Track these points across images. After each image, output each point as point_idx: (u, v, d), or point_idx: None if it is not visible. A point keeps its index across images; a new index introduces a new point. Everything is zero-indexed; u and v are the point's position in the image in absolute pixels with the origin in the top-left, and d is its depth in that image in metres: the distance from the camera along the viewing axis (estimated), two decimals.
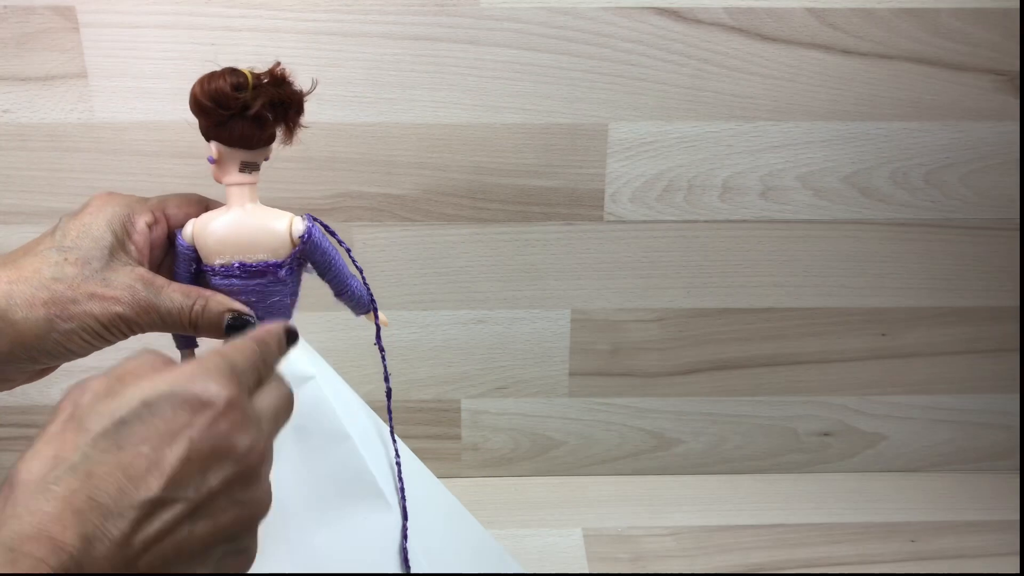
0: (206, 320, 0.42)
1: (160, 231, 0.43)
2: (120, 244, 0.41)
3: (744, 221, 0.68)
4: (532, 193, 0.66)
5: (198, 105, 0.41)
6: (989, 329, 0.72)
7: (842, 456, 0.76)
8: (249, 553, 0.34)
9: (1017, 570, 0.66)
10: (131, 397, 0.31)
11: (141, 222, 0.42)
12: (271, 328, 0.37)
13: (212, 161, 0.43)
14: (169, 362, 0.34)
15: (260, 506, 0.34)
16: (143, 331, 0.42)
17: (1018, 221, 0.68)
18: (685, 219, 0.68)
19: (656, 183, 0.66)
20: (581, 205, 0.67)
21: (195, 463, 0.30)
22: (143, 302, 0.41)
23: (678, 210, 0.67)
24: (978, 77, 0.64)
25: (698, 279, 0.70)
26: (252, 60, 0.44)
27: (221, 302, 0.42)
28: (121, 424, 0.30)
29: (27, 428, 0.71)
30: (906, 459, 0.76)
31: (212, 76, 0.41)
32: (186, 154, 0.64)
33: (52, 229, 0.42)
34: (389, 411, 0.49)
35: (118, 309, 0.40)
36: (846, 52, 0.63)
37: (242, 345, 0.35)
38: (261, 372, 0.35)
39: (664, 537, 0.69)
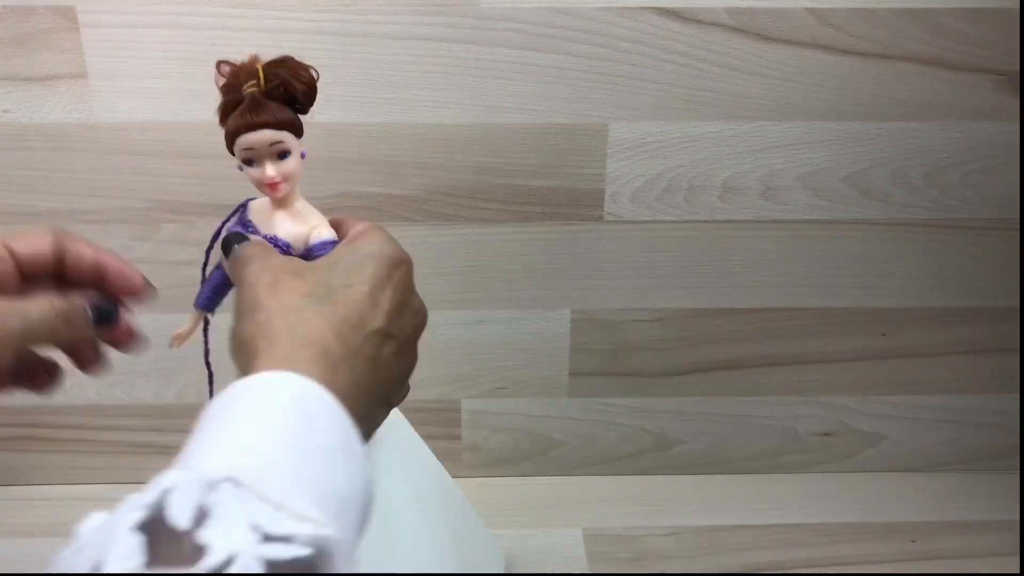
0: (74, 309, 0.40)
1: (6, 267, 0.41)
2: None
3: (744, 221, 0.68)
4: (532, 193, 0.66)
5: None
6: (989, 329, 0.72)
7: (842, 456, 0.76)
8: (406, 393, 0.42)
9: (1017, 570, 0.66)
10: (335, 256, 0.40)
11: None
12: None
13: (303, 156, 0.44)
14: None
15: (415, 362, 0.41)
16: (5, 353, 0.38)
17: (1018, 221, 0.68)
18: (685, 219, 0.68)
19: (656, 183, 0.66)
20: (581, 205, 0.67)
21: (399, 307, 0.39)
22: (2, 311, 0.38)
23: (678, 210, 0.67)
24: (978, 77, 0.64)
25: (698, 279, 0.70)
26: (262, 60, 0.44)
27: (80, 296, 0.41)
28: (348, 267, 0.39)
29: (28, 428, 0.71)
30: (906, 459, 0.76)
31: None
32: (186, 154, 0.64)
33: None
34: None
35: None
36: (846, 52, 0.63)
37: (373, 226, 0.43)
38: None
39: (664, 537, 0.69)
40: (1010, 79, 0.64)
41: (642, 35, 0.62)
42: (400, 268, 0.40)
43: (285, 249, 0.44)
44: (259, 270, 0.38)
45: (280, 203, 0.45)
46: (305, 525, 0.26)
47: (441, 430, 0.74)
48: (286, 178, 0.43)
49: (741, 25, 0.62)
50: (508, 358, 0.72)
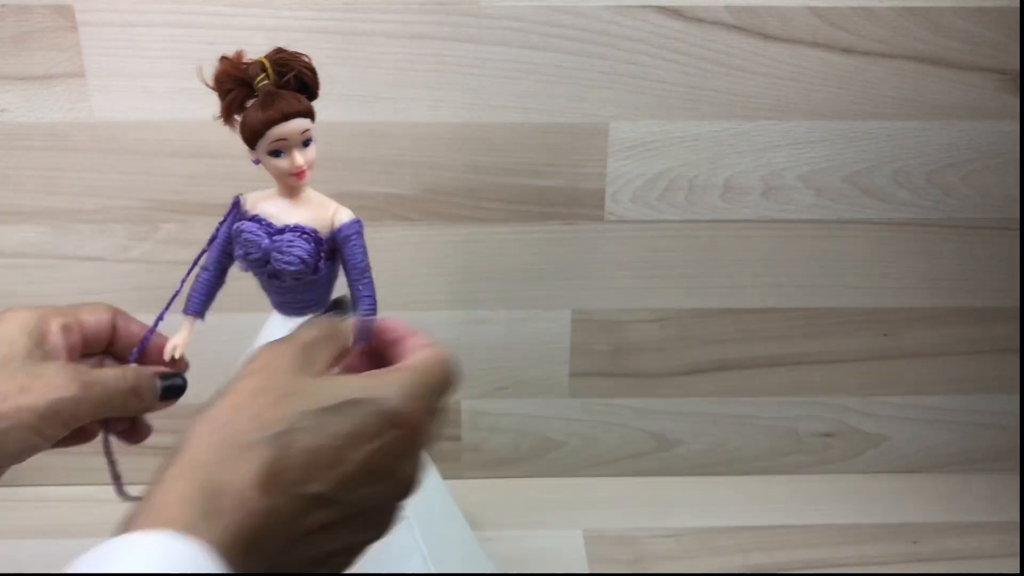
0: (144, 382, 0.43)
1: (74, 337, 0.43)
2: (37, 345, 0.41)
3: (745, 221, 0.68)
4: (532, 193, 0.66)
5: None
6: (990, 329, 0.72)
7: (844, 457, 0.76)
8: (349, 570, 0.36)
9: (1018, 571, 0.66)
10: (339, 389, 0.34)
11: (54, 325, 0.42)
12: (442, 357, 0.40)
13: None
14: (361, 356, 0.39)
15: (386, 531, 0.36)
16: (81, 416, 0.40)
17: (1019, 221, 0.68)
18: (686, 219, 0.67)
19: (657, 182, 0.66)
20: (581, 205, 0.67)
21: (365, 475, 0.33)
22: (77, 382, 0.40)
23: (679, 210, 0.67)
24: (980, 76, 0.64)
25: (698, 279, 0.70)
26: (250, 56, 0.44)
27: (149, 368, 0.43)
28: (325, 412, 0.32)
29: None
30: (908, 460, 0.76)
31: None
32: (185, 153, 0.64)
33: None
34: None
35: (53, 395, 0.39)
36: (848, 51, 0.63)
37: (435, 363, 0.39)
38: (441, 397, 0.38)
39: (665, 538, 0.69)
40: (1011, 78, 0.64)
41: (643, 34, 0.62)
42: (397, 429, 0.34)
43: (314, 235, 0.44)
44: (259, 371, 0.35)
45: (292, 192, 0.45)
46: None
47: (441, 430, 0.73)
48: (311, 165, 0.44)
49: (742, 24, 0.62)
50: (508, 358, 0.71)
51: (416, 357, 0.38)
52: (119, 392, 0.41)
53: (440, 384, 0.38)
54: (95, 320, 0.44)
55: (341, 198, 0.67)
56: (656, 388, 0.73)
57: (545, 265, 0.68)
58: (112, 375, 0.41)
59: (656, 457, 0.76)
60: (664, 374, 0.72)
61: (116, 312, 0.45)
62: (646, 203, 0.67)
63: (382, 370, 0.36)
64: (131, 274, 0.67)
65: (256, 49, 0.43)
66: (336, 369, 0.39)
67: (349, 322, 0.41)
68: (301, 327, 0.38)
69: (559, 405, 0.73)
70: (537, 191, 0.66)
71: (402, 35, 0.61)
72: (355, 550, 0.35)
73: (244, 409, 0.32)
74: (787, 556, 0.67)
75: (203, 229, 0.66)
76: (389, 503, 0.35)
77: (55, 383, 0.39)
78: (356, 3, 0.60)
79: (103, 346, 0.45)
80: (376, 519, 0.35)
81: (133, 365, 0.44)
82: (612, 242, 0.68)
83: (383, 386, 0.34)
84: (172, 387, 0.44)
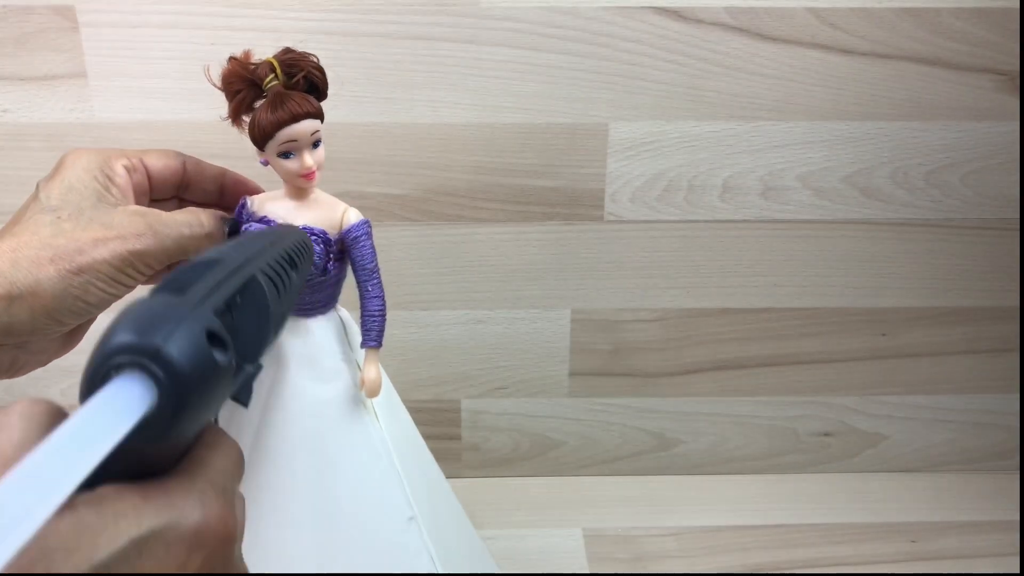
0: (217, 225, 0.42)
1: (139, 177, 0.43)
2: (105, 189, 0.41)
3: (744, 221, 0.68)
4: (532, 193, 0.66)
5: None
6: (989, 329, 0.72)
7: (842, 456, 0.76)
8: None
9: (1017, 570, 0.66)
10: (112, 530, 0.24)
11: (119, 166, 0.42)
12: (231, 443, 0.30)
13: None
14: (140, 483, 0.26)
15: None
16: (156, 265, 0.40)
17: (1018, 221, 0.68)
18: (685, 219, 0.67)
19: (656, 183, 0.66)
20: (581, 205, 0.67)
21: None
22: (150, 230, 0.40)
23: (678, 210, 0.67)
24: (979, 77, 0.64)
25: (698, 279, 0.70)
26: (256, 57, 0.44)
27: (218, 211, 0.43)
28: (103, 566, 0.23)
29: None
30: (907, 459, 0.76)
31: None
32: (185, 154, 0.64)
33: (33, 195, 0.41)
34: None
35: (127, 246, 0.39)
36: (847, 52, 0.63)
37: (227, 449, 0.29)
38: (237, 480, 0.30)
39: (665, 537, 0.69)
40: (1010, 79, 0.64)
41: (642, 35, 0.62)
42: (207, 548, 0.26)
43: (323, 236, 0.44)
44: None
45: (301, 193, 0.45)
46: None
47: (441, 430, 0.74)
48: (320, 166, 0.44)
49: (741, 24, 0.62)
50: (508, 358, 0.72)
51: (196, 451, 0.28)
52: (194, 238, 0.41)
53: (235, 462, 0.29)
54: (163, 164, 0.43)
55: (341, 198, 0.67)
56: (655, 388, 0.73)
57: (545, 265, 0.69)
58: (185, 220, 0.41)
59: (655, 456, 0.76)
60: (663, 374, 0.73)
61: (185, 157, 0.44)
62: (645, 203, 0.67)
63: (158, 481, 0.26)
64: None
65: (258, 50, 0.43)
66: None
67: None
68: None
69: (559, 405, 0.73)
70: (537, 191, 0.66)
71: (402, 36, 0.61)
72: None
73: None
74: (786, 555, 0.67)
75: None
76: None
77: (129, 232, 0.39)
78: (356, 4, 0.60)
79: (173, 191, 0.44)
80: None
81: (205, 209, 0.43)
82: (611, 242, 0.68)
83: (170, 505, 0.25)
84: (234, 225, 0.43)
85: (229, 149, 0.64)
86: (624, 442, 0.75)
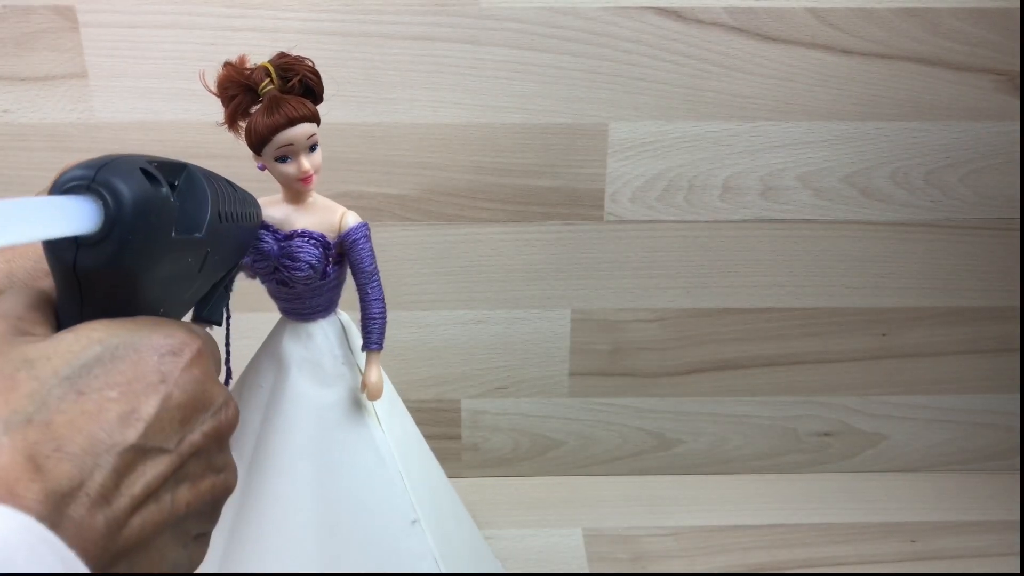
0: None
1: None
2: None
3: (744, 221, 0.68)
4: (532, 193, 0.66)
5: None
6: (989, 329, 0.72)
7: (842, 456, 0.76)
8: (208, 541, 0.30)
9: (1017, 570, 0.66)
10: (79, 341, 0.26)
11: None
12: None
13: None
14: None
15: (230, 478, 0.30)
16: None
17: (1018, 221, 0.68)
18: (685, 219, 0.68)
19: (656, 183, 0.66)
20: (581, 205, 0.67)
21: (174, 411, 0.27)
22: None
23: (678, 210, 0.67)
24: (978, 77, 0.64)
25: (698, 279, 0.70)
26: (252, 60, 0.44)
27: None
28: (80, 368, 0.25)
29: None
30: (906, 459, 0.76)
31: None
32: (185, 154, 0.64)
33: None
34: None
35: None
36: (846, 52, 0.63)
37: (197, 326, 0.31)
38: (216, 362, 0.31)
39: (664, 537, 0.69)
40: (1010, 79, 0.64)
41: (642, 35, 0.62)
42: (172, 359, 0.27)
43: (322, 240, 0.44)
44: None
45: (298, 197, 0.45)
46: None
47: (441, 430, 0.74)
48: (317, 170, 0.44)
49: (741, 25, 0.62)
50: (508, 358, 0.72)
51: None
52: None
53: (204, 335, 0.31)
54: None
55: (341, 198, 0.67)
56: (655, 387, 0.73)
57: (545, 265, 0.69)
58: None
59: (655, 456, 0.76)
60: (663, 374, 0.73)
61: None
62: (645, 203, 0.67)
63: (132, 317, 0.28)
64: None
65: (257, 50, 0.43)
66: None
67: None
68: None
69: (559, 404, 0.73)
70: (537, 191, 0.66)
71: (402, 36, 0.61)
72: (202, 510, 0.29)
73: None
74: (786, 555, 0.67)
75: None
76: (212, 442, 0.29)
77: None
78: (356, 4, 0.60)
79: None
80: (206, 467, 0.29)
81: None
82: (611, 242, 0.68)
83: (132, 325, 0.28)
84: None
85: (229, 149, 0.64)
86: (624, 442, 0.75)
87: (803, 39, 0.63)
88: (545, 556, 0.67)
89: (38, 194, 0.27)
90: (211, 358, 0.30)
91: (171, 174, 0.30)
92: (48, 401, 0.24)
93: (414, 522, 0.48)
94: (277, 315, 0.49)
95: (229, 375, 0.49)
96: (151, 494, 0.26)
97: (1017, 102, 0.65)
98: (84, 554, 0.23)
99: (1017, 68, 0.64)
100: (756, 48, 0.63)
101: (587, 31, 0.62)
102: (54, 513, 0.23)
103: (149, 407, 0.26)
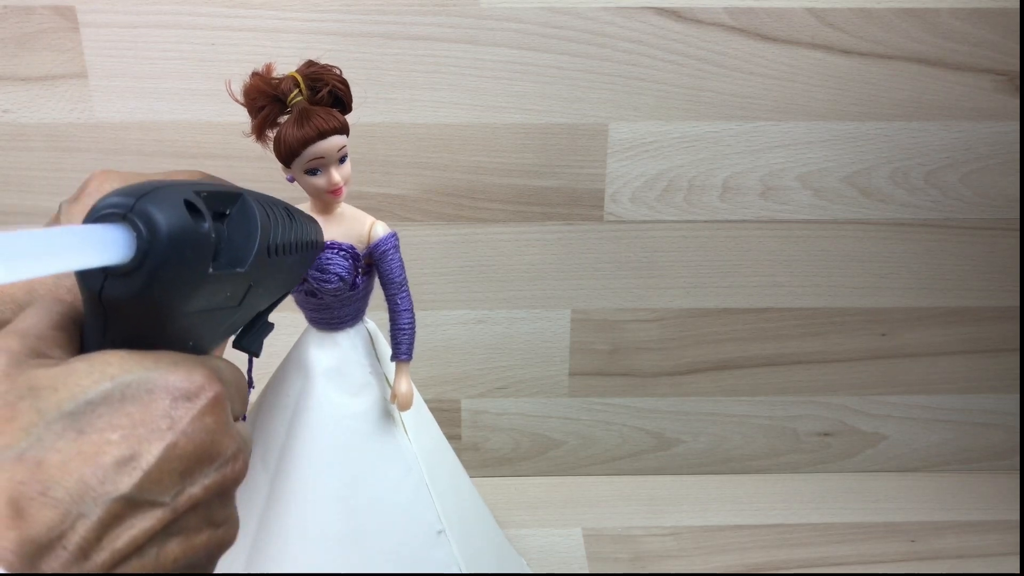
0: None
1: None
2: None
3: (744, 221, 0.68)
4: (532, 193, 0.66)
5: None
6: (989, 329, 0.72)
7: (842, 456, 0.76)
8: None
9: (1017, 570, 0.66)
10: (89, 375, 0.25)
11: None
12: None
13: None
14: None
15: (229, 533, 0.28)
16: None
17: (1018, 221, 0.68)
18: (685, 219, 0.68)
19: (656, 183, 0.66)
20: (581, 205, 0.67)
21: (176, 461, 0.25)
22: None
23: (678, 210, 0.67)
24: (978, 77, 0.64)
25: (698, 279, 0.70)
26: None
27: None
28: (85, 405, 0.24)
29: None
30: (906, 459, 0.76)
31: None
32: (186, 154, 0.64)
33: (55, 217, 0.39)
34: None
35: None
36: (846, 52, 0.63)
37: (227, 362, 0.30)
38: (242, 400, 0.30)
39: (664, 537, 0.69)
40: (1009, 79, 0.64)
41: (642, 35, 0.62)
42: (185, 404, 0.26)
43: (351, 252, 0.44)
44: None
45: (326, 208, 0.45)
46: None
47: (441, 430, 0.74)
48: (347, 181, 0.43)
49: (741, 25, 0.62)
50: (508, 358, 0.72)
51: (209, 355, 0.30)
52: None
53: (233, 370, 0.30)
54: None
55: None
56: (655, 387, 0.73)
57: (545, 265, 0.69)
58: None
59: (655, 456, 0.76)
60: (663, 373, 0.73)
61: (209, 176, 0.41)
62: (645, 203, 0.67)
63: (154, 351, 0.27)
64: None
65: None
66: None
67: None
68: (22, 316, 0.28)
69: (558, 404, 0.73)
70: (537, 191, 0.66)
71: (402, 36, 0.61)
72: (194, 565, 0.27)
73: None
74: (785, 555, 0.67)
75: None
76: (214, 496, 0.27)
77: None
78: (356, 4, 0.61)
79: None
80: (204, 522, 0.27)
81: None
82: (611, 242, 0.68)
83: (150, 362, 0.26)
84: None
85: (228, 149, 0.64)
86: (624, 442, 0.75)
87: (803, 39, 0.63)
88: (545, 556, 0.67)
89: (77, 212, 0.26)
90: (230, 403, 0.28)
91: (223, 204, 0.29)
92: (44, 437, 0.23)
93: (440, 532, 0.48)
94: (298, 314, 0.49)
95: (251, 384, 0.49)
96: (136, 549, 0.24)
97: (1017, 102, 0.65)
98: None
99: (1017, 68, 0.64)
100: (756, 48, 0.63)
101: (587, 31, 0.62)
102: (26, 565, 0.21)
103: (150, 455, 0.24)
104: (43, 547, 0.22)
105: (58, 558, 0.22)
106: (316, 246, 0.37)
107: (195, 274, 0.26)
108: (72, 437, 0.23)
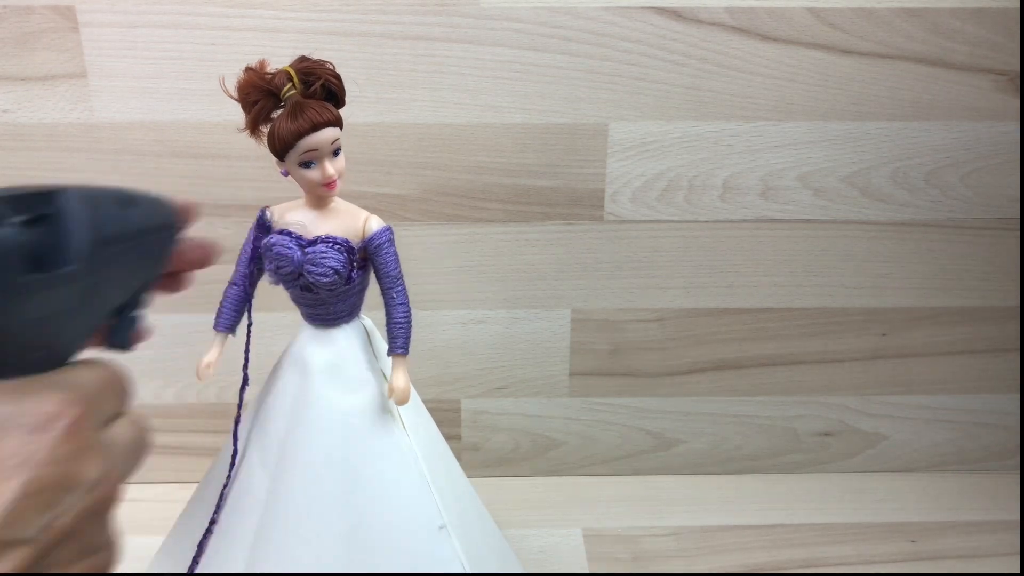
0: None
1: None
2: None
3: (744, 221, 0.68)
4: (532, 193, 0.66)
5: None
6: (989, 329, 0.72)
7: (842, 456, 0.76)
8: None
9: (1017, 570, 0.66)
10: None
11: None
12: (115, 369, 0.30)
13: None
14: None
15: (109, 557, 0.28)
16: None
17: (1018, 221, 0.68)
18: (685, 219, 0.68)
19: (656, 183, 0.66)
20: (581, 205, 0.67)
21: (36, 496, 0.24)
22: None
23: (678, 210, 0.67)
24: (978, 77, 0.64)
25: (698, 279, 0.70)
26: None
27: None
28: None
29: None
30: (906, 459, 0.76)
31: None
32: (186, 154, 0.64)
33: None
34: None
35: None
36: (846, 52, 0.63)
37: (93, 365, 0.29)
38: (116, 400, 0.29)
39: (664, 537, 0.69)
40: (1009, 79, 0.64)
41: (642, 35, 0.62)
42: (48, 432, 0.25)
43: (346, 245, 0.44)
44: None
45: (321, 202, 0.45)
46: None
47: (441, 430, 0.73)
48: (341, 174, 0.43)
49: (741, 25, 0.62)
50: (508, 358, 0.72)
51: (77, 362, 0.29)
52: None
53: (101, 377, 0.29)
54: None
55: (342, 198, 0.67)
56: (655, 387, 0.73)
57: (545, 265, 0.69)
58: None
59: (655, 456, 0.76)
60: (663, 373, 0.73)
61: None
62: (645, 203, 0.67)
63: (10, 380, 0.27)
64: None
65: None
66: None
67: None
68: None
69: (559, 404, 0.73)
70: (537, 191, 0.66)
71: (402, 36, 0.61)
72: None
73: None
74: (786, 555, 0.67)
75: (204, 230, 0.66)
76: (84, 522, 0.26)
77: None
78: (356, 4, 0.60)
79: None
80: (78, 551, 0.26)
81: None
82: (611, 242, 0.68)
83: (4, 393, 0.26)
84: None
85: (228, 149, 0.64)
86: (624, 442, 0.75)
87: (803, 39, 0.62)
88: (545, 556, 0.67)
89: None
90: (98, 413, 0.27)
91: (36, 206, 0.27)
92: None
93: (441, 527, 0.48)
94: (295, 312, 0.49)
95: (246, 381, 0.49)
96: None
97: (1017, 102, 0.65)
98: None
99: (1017, 68, 0.64)
100: (756, 48, 0.63)
101: (587, 31, 0.62)
102: None
103: (8, 494, 0.24)
104: None
105: None
106: (166, 228, 0.35)
107: (5, 283, 0.25)
108: None
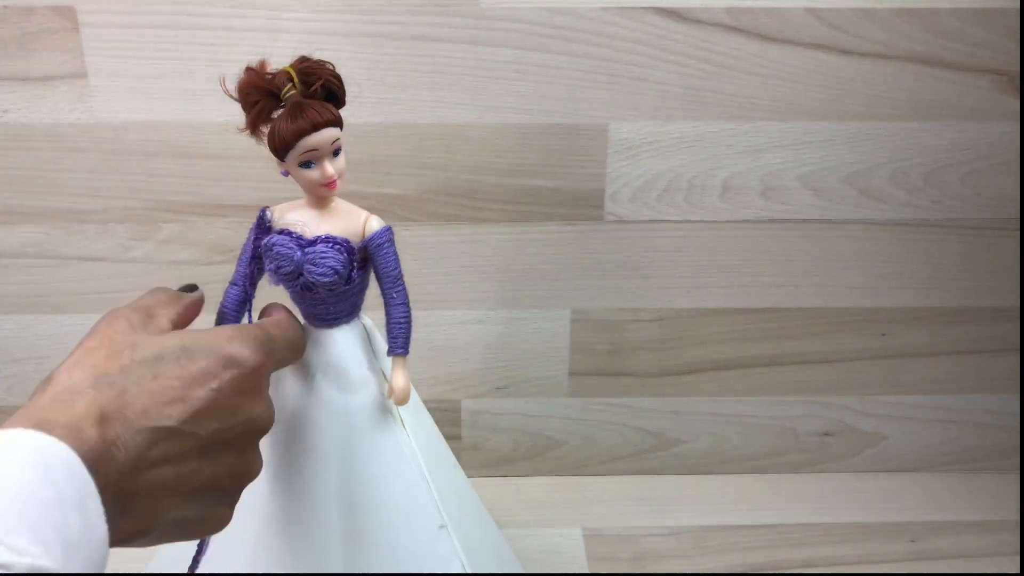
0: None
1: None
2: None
3: (744, 221, 0.68)
4: (532, 193, 0.66)
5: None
6: (989, 329, 0.72)
7: (842, 456, 0.76)
8: (225, 519, 0.38)
9: (1017, 570, 0.66)
10: (172, 339, 0.36)
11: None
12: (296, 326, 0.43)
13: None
14: (180, 299, 0.41)
15: (252, 468, 0.39)
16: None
17: (1018, 221, 0.68)
18: (685, 219, 0.68)
19: (656, 183, 0.66)
20: (581, 205, 0.67)
21: (215, 410, 0.35)
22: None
23: (678, 210, 0.67)
24: (978, 77, 0.64)
25: (698, 279, 0.70)
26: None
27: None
28: (159, 359, 0.35)
29: None
30: (906, 459, 0.76)
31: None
32: (186, 154, 0.64)
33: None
34: None
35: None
36: (846, 52, 0.63)
37: (286, 324, 0.42)
38: (292, 355, 0.42)
39: (664, 537, 0.69)
40: (1010, 79, 0.64)
41: (642, 35, 0.62)
42: (230, 370, 0.36)
43: (346, 245, 0.44)
44: (98, 332, 0.36)
45: (321, 202, 0.45)
46: (23, 558, 0.26)
47: (441, 430, 0.73)
48: (341, 175, 0.44)
49: (741, 25, 0.62)
50: (508, 358, 0.72)
51: (272, 319, 0.43)
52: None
53: (278, 334, 0.41)
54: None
55: (342, 198, 0.67)
56: (655, 387, 0.73)
57: (545, 265, 0.69)
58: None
59: (655, 456, 0.76)
60: (663, 373, 0.73)
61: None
62: (645, 204, 0.67)
63: (225, 326, 0.40)
64: (132, 274, 0.67)
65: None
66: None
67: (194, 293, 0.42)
68: (144, 295, 0.40)
69: (558, 404, 0.73)
70: (537, 191, 0.66)
71: (402, 36, 0.61)
72: (233, 474, 0.37)
73: (79, 365, 0.34)
74: (786, 555, 0.67)
75: (204, 229, 0.67)
76: (241, 439, 0.37)
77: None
78: (356, 4, 0.61)
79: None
80: (231, 456, 0.37)
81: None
82: (611, 242, 0.68)
83: (216, 335, 0.37)
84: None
85: (228, 149, 0.64)
86: (624, 442, 0.75)
87: (803, 39, 0.63)
88: (545, 556, 0.67)
89: None
90: (277, 358, 0.40)
91: None
92: (131, 375, 0.34)
93: (441, 527, 0.48)
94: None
95: None
96: (169, 460, 0.34)
97: (1017, 102, 0.65)
98: (104, 487, 0.31)
99: (1017, 68, 0.64)
100: (756, 48, 0.63)
101: (587, 31, 0.62)
102: (101, 453, 0.31)
103: (196, 401, 0.35)
104: (110, 444, 0.32)
105: (117, 454, 0.32)
106: None
107: None
108: (149, 379, 0.34)
